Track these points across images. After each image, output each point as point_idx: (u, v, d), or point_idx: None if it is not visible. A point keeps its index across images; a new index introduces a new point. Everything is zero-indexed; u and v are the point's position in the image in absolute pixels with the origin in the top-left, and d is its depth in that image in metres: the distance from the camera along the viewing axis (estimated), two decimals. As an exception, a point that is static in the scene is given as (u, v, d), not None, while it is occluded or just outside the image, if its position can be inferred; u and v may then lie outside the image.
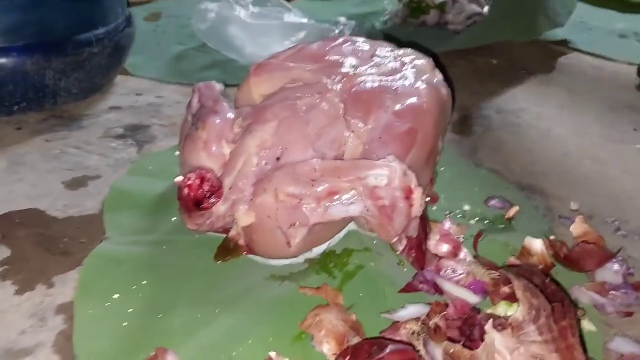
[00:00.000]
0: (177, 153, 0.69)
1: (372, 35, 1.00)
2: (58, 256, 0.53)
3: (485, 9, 1.18)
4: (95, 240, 0.56)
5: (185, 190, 0.49)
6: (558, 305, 0.40)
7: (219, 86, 0.61)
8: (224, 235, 0.54)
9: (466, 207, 0.63)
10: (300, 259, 0.52)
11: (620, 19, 1.40)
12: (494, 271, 0.50)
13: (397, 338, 0.44)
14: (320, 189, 0.48)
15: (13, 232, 0.56)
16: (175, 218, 0.58)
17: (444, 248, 0.53)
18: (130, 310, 0.47)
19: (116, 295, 0.48)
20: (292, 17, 0.99)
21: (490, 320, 0.42)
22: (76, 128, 0.77)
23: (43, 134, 0.75)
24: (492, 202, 0.64)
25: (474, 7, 1.18)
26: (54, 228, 0.57)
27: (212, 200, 0.49)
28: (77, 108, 0.82)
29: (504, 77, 1.04)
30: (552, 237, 0.57)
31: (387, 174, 0.48)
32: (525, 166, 0.74)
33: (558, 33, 1.16)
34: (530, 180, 0.71)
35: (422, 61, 0.60)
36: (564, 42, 1.19)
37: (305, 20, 1.00)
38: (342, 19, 1.21)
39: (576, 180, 0.71)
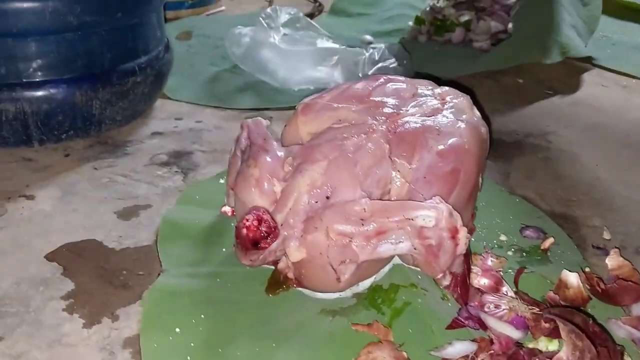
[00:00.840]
0: (221, 181, 0.72)
1: (399, 55, 1.03)
2: (119, 289, 0.56)
3: (510, 25, 1.20)
4: (152, 272, 0.59)
5: (244, 231, 0.52)
6: (604, 350, 0.42)
7: (265, 122, 0.63)
8: (273, 267, 0.57)
9: (503, 238, 0.65)
10: (349, 293, 0.55)
11: (643, 31, 1.42)
12: (534, 307, 0.53)
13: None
14: (369, 228, 0.51)
15: (74, 265, 0.59)
16: (225, 249, 0.61)
17: (486, 283, 0.56)
18: (192, 344, 0.50)
19: (178, 330, 0.51)
20: (324, 42, 1.02)
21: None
22: (121, 155, 0.80)
23: (90, 161, 0.78)
24: (528, 232, 0.66)
25: (498, 25, 1.20)
26: (112, 260, 0.60)
27: (269, 240, 0.52)
28: (121, 134, 0.86)
29: (531, 97, 1.06)
30: (587, 270, 0.59)
31: (434, 215, 0.50)
32: (557, 193, 0.76)
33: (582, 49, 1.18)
34: (563, 208, 0.73)
35: (461, 99, 0.62)
36: (588, 59, 1.21)
37: (336, 45, 1.03)
38: (368, 38, 1.24)
39: (608, 208, 0.73)
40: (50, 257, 0.60)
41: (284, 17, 1.10)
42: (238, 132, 0.85)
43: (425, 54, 1.17)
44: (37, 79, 0.74)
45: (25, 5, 0.70)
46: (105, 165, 0.78)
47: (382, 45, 1.01)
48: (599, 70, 1.19)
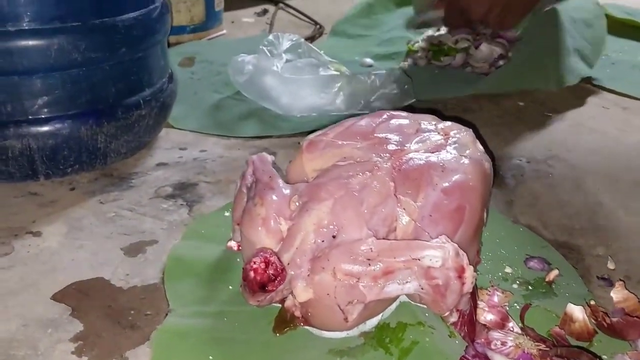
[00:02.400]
0: (226, 214, 0.73)
1: (400, 81, 1.03)
2: (128, 330, 0.57)
3: (510, 54, 1.21)
4: (159, 311, 0.59)
5: (252, 274, 0.52)
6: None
7: (270, 158, 0.64)
8: (280, 305, 0.57)
9: (508, 270, 0.65)
10: (356, 332, 0.55)
11: (643, 50, 1.42)
12: (540, 343, 0.53)
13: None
14: (376, 268, 0.51)
15: (82, 305, 0.60)
16: (231, 287, 0.61)
17: (493, 318, 0.56)
18: (201, 387, 0.50)
19: (186, 372, 0.51)
20: (326, 69, 1.03)
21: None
22: (127, 188, 0.81)
23: (96, 195, 0.79)
24: (532, 264, 0.67)
25: (499, 50, 1.21)
26: (120, 299, 0.60)
27: (276, 282, 0.52)
28: (126, 166, 0.86)
29: (532, 120, 1.06)
30: (592, 302, 0.60)
31: (441, 255, 0.50)
32: (561, 221, 0.76)
33: (585, 73, 1.18)
34: (566, 236, 0.73)
35: (464, 134, 0.63)
36: (589, 79, 1.22)
37: (338, 72, 1.04)
38: (369, 60, 1.25)
39: (611, 235, 0.74)
40: (58, 297, 0.61)
41: (285, 44, 1.10)
42: (242, 161, 0.87)
43: (425, 78, 1.17)
44: (43, 115, 0.74)
45: (31, 43, 0.71)
46: (111, 199, 0.78)
47: (384, 72, 1.02)
48: (600, 91, 1.20)
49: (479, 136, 0.65)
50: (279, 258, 0.53)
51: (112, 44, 0.77)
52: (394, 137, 0.61)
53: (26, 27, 0.70)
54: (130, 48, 0.79)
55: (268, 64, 1.01)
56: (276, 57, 1.06)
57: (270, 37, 1.09)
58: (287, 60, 1.08)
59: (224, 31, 1.53)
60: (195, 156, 0.90)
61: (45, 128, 0.75)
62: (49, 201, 0.77)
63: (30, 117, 0.74)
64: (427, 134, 0.62)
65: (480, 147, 0.62)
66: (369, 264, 0.51)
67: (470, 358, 0.52)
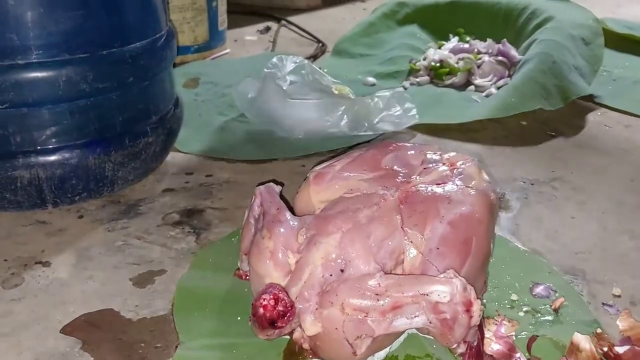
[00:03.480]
0: (233, 240, 0.73)
1: (403, 103, 1.04)
2: (138, 364, 0.57)
3: (513, 72, 1.22)
4: (169, 344, 0.59)
5: (261, 311, 0.53)
6: None
7: (278, 188, 0.64)
8: (288, 337, 0.58)
9: (514, 297, 0.66)
10: (364, 364, 0.56)
11: (644, 66, 1.43)
12: (549, 375, 0.54)
13: None
14: (385, 302, 0.52)
15: (92, 338, 0.60)
16: (240, 318, 0.62)
17: (499, 349, 0.57)
18: (212, 422, 0.50)
19: (197, 406, 0.52)
20: (331, 91, 1.04)
21: None
22: (134, 215, 0.81)
23: (104, 223, 0.79)
24: (538, 290, 0.67)
25: (501, 69, 1.22)
26: (130, 332, 0.61)
27: (286, 318, 0.53)
28: (133, 192, 0.87)
29: (535, 140, 1.07)
30: (599, 331, 0.60)
31: (449, 290, 0.51)
32: (566, 245, 0.77)
33: (585, 90, 1.19)
34: (572, 261, 0.74)
35: (469, 164, 0.63)
36: (590, 97, 1.22)
37: (342, 94, 1.05)
38: (371, 80, 1.26)
39: (616, 260, 0.74)
40: (68, 329, 0.61)
41: (290, 66, 1.11)
42: (248, 186, 0.88)
43: (428, 97, 1.18)
44: (51, 145, 0.75)
45: (40, 75, 0.72)
46: (119, 227, 0.79)
47: (387, 94, 1.03)
48: (602, 109, 1.20)
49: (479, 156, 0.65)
50: (287, 294, 0.54)
51: (120, 73, 0.78)
52: (400, 169, 0.61)
53: (35, 60, 0.71)
54: (137, 77, 0.80)
55: (272, 87, 1.02)
56: (280, 80, 1.07)
57: (275, 59, 1.10)
58: (292, 82, 1.09)
59: (228, 50, 1.54)
60: (201, 181, 0.91)
61: (53, 157, 0.76)
62: (57, 230, 0.78)
63: (38, 147, 0.75)
64: (433, 164, 0.63)
65: (486, 177, 0.63)
66: (378, 299, 0.52)
67: (478, 390, 0.53)
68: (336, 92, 1.07)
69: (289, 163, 0.97)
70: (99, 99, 0.77)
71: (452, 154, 0.64)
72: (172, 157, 0.97)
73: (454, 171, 0.62)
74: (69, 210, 0.82)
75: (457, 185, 0.60)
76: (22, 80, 0.71)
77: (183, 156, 0.99)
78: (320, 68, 1.17)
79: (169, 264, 0.71)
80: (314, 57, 1.48)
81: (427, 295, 0.51)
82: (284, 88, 1.03)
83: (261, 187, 0.65)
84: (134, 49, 0.79)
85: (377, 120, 1.01)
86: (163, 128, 0.86)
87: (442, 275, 0.52)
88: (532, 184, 0.92)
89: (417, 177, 0.61)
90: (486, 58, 1.26)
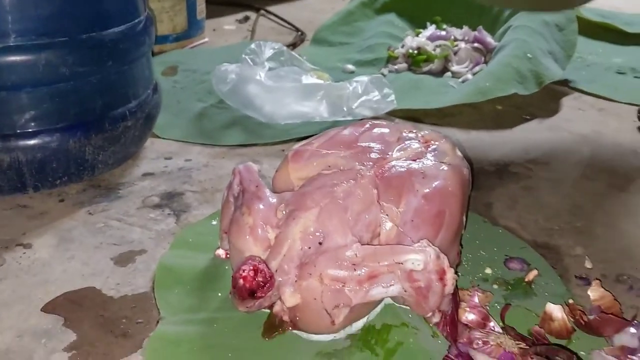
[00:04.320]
0: (213, 222, 0.74)
1: (381, 88, 1.05)
2: (120, 338, 0.58)
3: (489, 58, 1.24)
4: (150, 320, 0.60)
5: (241, 282, 0.54)
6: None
7: (256, 167, 0.65)
8: (269, 311, 0.59)
9: (488, 271, 0.68)
10: (342, 334, 0.57)
11: (617, 52, 1.46)
12: (521, 342, 0.55)
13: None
14: (361, 273, 0.53)
15: (74, 315, 0.61)
16: (220, 294, 0.63)
17: (474, 318, 0.58)
18: (194, 392, 0.51)
19: (179, 378, 0.53)
20: (309, 78, 1.05)
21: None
22: (115, 198, 0.82)
23: (85, 206, 0.80)
24: (512, 264, 0.69)
25: (477, 56, 1.24)
26: (111, 309, 0.62)
27: (265, 289, 0.54)
28: (113, 176, 0.87)
29: (510, 124, 1.09)
30: (571, 301, 0.62)
31: (422, 259, 0.52)
32: (539, 222, 0.79)
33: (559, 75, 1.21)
34: (545, 237, 0.76)
35: (443, 142, 0.65)
36: (565, 82, 1.25)
37: (321, 81, 1.06)
38: (350, 67, 1.27)
39: (588, 236, 0.76)
40: (50, 307, 0.62)
41: (268, 52, 1.12)
42: (227, 170, 0.88)
43: (405, 84, 1.20)
44: (31, 129, 0.75)
45: (19, 59, 0.72)
46: (100, 209, 0.79)
47: (365, 79, 1.04)
48: (576, 93, 1.23)
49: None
50: (267, 265, 0.55)
51: (99, 58, 0.78)
52: (376, 146, 0.63)
53: (13, 44, 0.71)
54: (116, 61, 0.80)
55: (251, 72, 1.03)
56: (259, 66, 1.07)
57: (253, 45, 1.11)
58: (270, 69, 1.10)
59: (206, 39, 1.54)
60: (180, 165, 0.92)
61: (34, 141, 0.76)
62: (38, 213, 0.78)
63: (18, 130, 0.75)
64: (408, 142, 0.64)
65: (459, 153, 0.65)
66: (354, 269, 0.53)
67: (453, 357, 0.54)
68: (315, 78, 1.08)
69: (268, 148, 0.98)
70: (78, 82, 0.77)
71: (427, 132, 0.66)
72: (151, 142, 0.98)
73: (429, 148, 0.63)
74: (49, 194, 0.82)
75: (431, 161, 0.61)
76: (1, 64, 0.71)
77: (162, 142, 0.99)
78: (299, 56, 1.18)
79: (150, 244, 0.72)
80: (293, 46, 1.49)
81: (402, 263, 0.53)
82: (263, 74, 1.04)
83: (240, 166, 0.66)
84: (113, 34, 0.80)
85: (355, 105, 1.02)
86: (142, 112, 0.87)
87: (416, 245, 0.54)
88: (507, 165, 0.94)
89: (393, 154, 0.62)
90: (463, 45, 1.28)
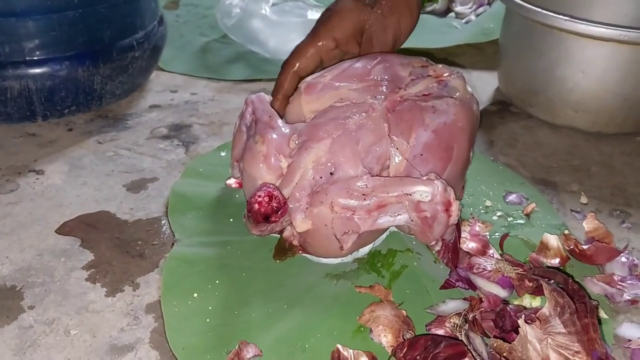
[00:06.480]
0: (222, 154, 0.76)
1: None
2: (137, 259, 0.60)
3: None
4: (166, 242, 0.63)
5: (256, 206, 0.56)
6: (581, 305, 0.48)
7: (269, 98, 0.67)
8: (279, 236, 0.62)
9: (488, 204, 0.70)
10: (350, 258, 0.60)
11: None
12: (518, 268, 0.59)
13: (442, 330, 0.52)
14: (371, 202, 0.55)
15: (90, 236, 0.63)
16: (232, 219, 0.65)
17: (474, 246, 0.61)
18: (210, 307, 0.54)
19: (195, 295, 0.55)
20: (314, 13, 1.05)
21: (523, 316, 0.50)
22: (123, 129, 0.83)
23: (93, 135, 0.81)
24: (511, 198, 0.72)
25: (481, -2, 1.24)
26: (127, 231, 0.64)
27: (279, 214, 0.56)
28: (120, 107, 0.88)
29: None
30: (566, 232, 0.65)
31: (430, 191, 0.55)
32: (538, 160, 0.81)
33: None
34: (543, 174, 0.78)
35: (455, 77, 0.66)
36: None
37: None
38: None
39: (584, 174, 0.79)
40: (66, 230, 0.64)
41: (272, -13, 1.11)
42: (233, 104, 0.90)
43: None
44: (41, 57, 0.76)
45: (28, -16, 0.72)
46: (109, 139, 0.81)
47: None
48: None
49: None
50: (281, 192, 0.57)
51: (107, -15, 0.78)
52: (388, 79, 0.64)
53: (23, -31, 0.71)
54: (124, -10, 0.80)
55: (256, 6, 1.03)
56: (263, 1, 1.07)
57: (257, -20, 1.10)
58: (274, 4, 1.10)
59: (207, -27, 1.52)
60: (186, 99, 0.93)
61: (43, 69, 0.77)
62: (48, 141, 0.79)
63: (27, 58, 0.75)
64: (420, 76, 0.65)
65: (470, 89, 0.66)
66: (364, 199, 0.56)
67: (454, 281, 0.57)
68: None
69: (272, 84, 0.99)
70: (87, 10, 0.77)
71: (440, 66, 0.67)
72: (156, 75, 0.98)
73: (440, 83, 0.65)
74: (58, 124, 0.83)
75: (443, 96, 0.63)
76: (10, -11, 0.71)
77: (167, 75, 1.00)
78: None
79: (161, 173, 0.74)
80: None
81: (410, 195, 0.55)
82: (268, 8, 1.04)
83: (252, 96, 0.67)
84: (120, -38, 0.79)
85: (359, 42, 1.02)
86: (149, 43, 0.87)
87: (424, 178, 0.56)
88: (509, 105, 0.96)
89: (405, 88, 0.63)
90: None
